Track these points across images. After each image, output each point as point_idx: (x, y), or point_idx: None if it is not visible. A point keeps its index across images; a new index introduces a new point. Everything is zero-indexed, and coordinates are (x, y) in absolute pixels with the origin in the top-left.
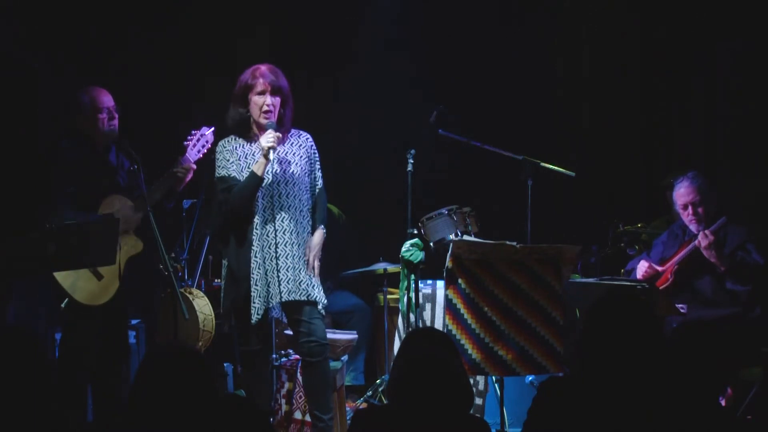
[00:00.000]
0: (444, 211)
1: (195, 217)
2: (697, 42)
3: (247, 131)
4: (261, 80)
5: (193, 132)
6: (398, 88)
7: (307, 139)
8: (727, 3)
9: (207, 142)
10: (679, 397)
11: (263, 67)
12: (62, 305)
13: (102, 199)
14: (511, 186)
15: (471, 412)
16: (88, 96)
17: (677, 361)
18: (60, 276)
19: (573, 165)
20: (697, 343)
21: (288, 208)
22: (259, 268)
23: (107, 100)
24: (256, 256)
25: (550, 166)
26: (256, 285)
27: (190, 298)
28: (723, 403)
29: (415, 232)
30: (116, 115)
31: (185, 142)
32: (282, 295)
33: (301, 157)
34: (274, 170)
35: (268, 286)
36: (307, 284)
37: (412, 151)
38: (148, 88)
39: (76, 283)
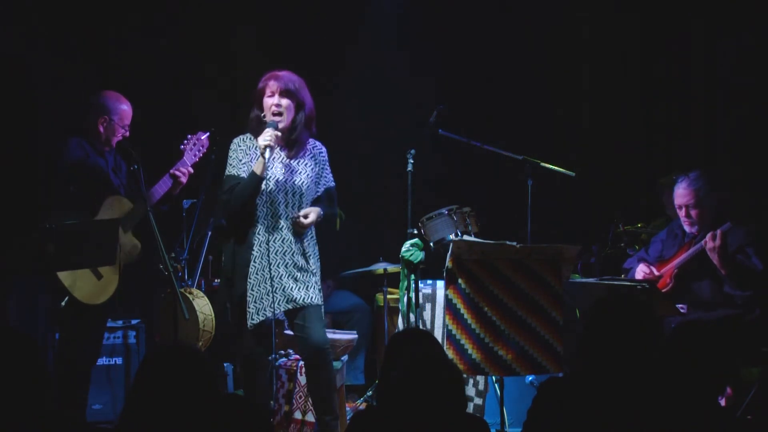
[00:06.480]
0: (444, 211)
1: (195, 217)
2: (698, 41)
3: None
4: (271, 82)
5: (189, 136)
6: (398, 88)
7: (319, 149)
8: (727, 1)
9: (203, 146)
10: (679, 396)
11: (279, 72)
12: (62, 303)
13: (102, 200)
14: (511, 186)
15: (471, 411)
16: (120, 108)
17: (677, 360)
18: (61, 274)
19: (573, 165)
20: (697, 343)
21: (288, 218)
22: (257, 273)
23: (130, 115)
24: (254, 261)
25: (550, 166)
26: (252, 290)
27: (190, 298)
28: (723, 403)
29: (415, 232)
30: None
31: (182, 146)
32: (276, 306)
33: (312, 168)
34: (279, 178)
35: (265, 293)
36: (303, 290)
37: (412, 151)
38: (146, 87)
39: (77, 282)
